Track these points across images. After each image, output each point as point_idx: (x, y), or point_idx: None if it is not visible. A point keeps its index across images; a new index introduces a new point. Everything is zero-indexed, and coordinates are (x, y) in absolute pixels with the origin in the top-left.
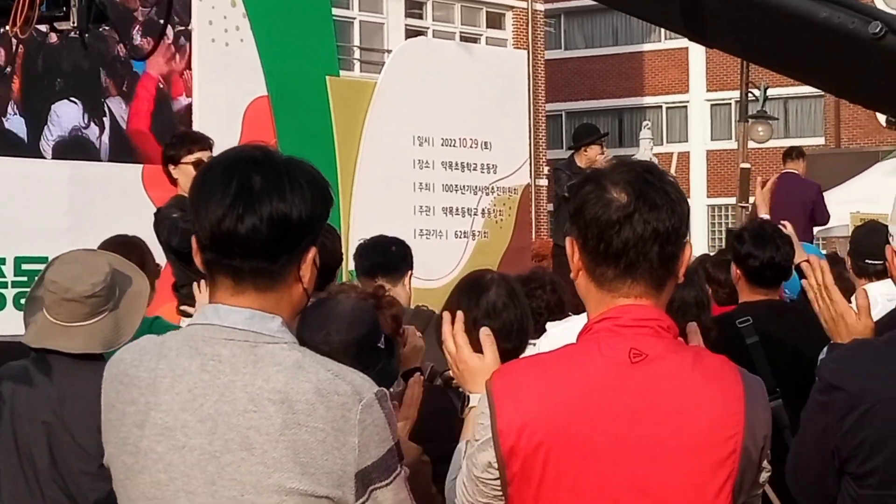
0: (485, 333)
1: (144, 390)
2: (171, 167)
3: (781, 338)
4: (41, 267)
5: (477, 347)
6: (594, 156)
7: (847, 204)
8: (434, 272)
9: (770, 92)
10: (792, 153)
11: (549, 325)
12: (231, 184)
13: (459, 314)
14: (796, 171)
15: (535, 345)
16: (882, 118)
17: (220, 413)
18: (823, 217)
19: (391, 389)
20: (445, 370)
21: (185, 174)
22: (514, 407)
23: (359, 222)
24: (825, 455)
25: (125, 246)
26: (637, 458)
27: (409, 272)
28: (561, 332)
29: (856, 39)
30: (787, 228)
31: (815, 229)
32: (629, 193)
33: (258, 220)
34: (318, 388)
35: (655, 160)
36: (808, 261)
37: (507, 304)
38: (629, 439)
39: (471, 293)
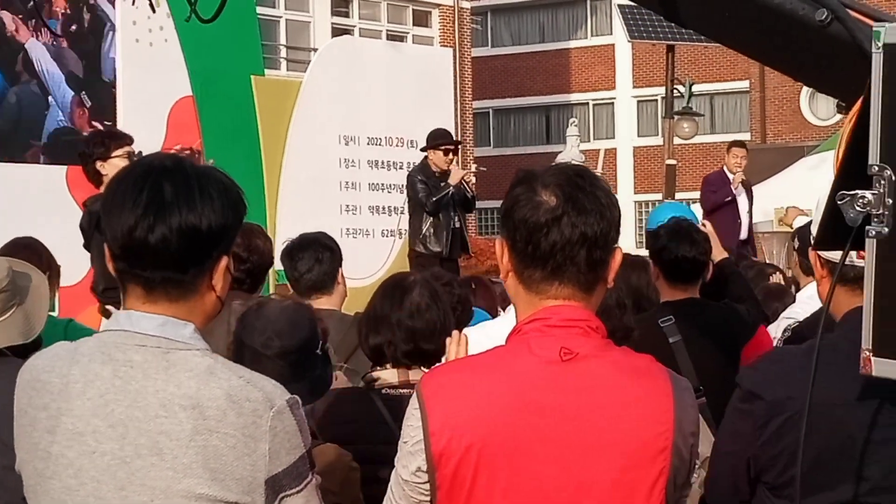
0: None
1: (56, 396)
2: (99, 163)
3: (703, 336)
4: None
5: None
6: (440, 161)
7: (772, 199)
8: (361, 271)
9: (696, 88)
10: (728, 146)
11: (466, 330)
12: (142, 194)
13: (465, 335)
14: (724, 167)
15: None
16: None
17: (130, 418)
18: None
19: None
20: (367, 372)
21: (117, 168)
22: (445, 408)
23: (285, 221)
24: (740, 462)
25: (26, 248)
26: (569, 455)
27: (340, 269)
28: (481, 339)
29: (805, 26)
30: (707, 227)
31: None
32: (559, 196)
33: (168, 231)
34: (229, 394)
35: (582, 157)
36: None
37: (430, 304)
38: (561, 437)
39: (394, 294)
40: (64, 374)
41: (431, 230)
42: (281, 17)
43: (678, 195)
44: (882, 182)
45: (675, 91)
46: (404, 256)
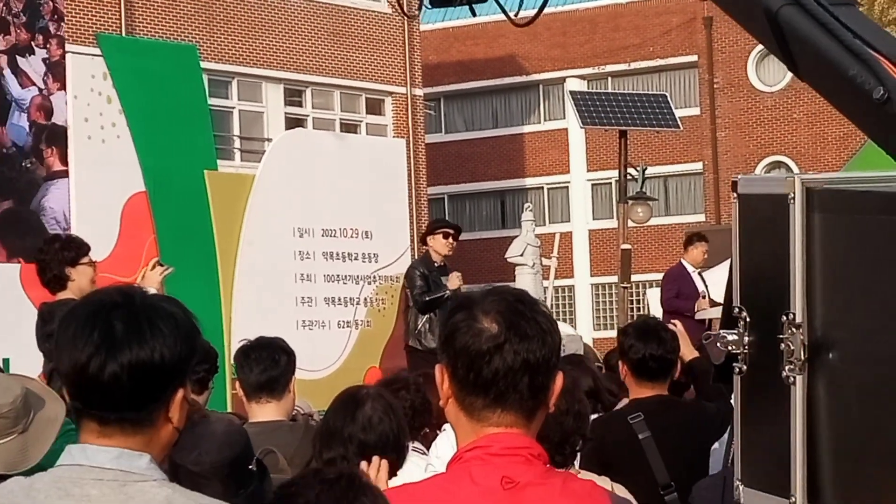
0: None
1: None
2: (68, 269)
3: (672, 431)
4: None
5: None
6: (440, 247)
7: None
8: (317, 363)
9: (651, 170)
10: (690, 239)
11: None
12: (93, 333)
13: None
14: (683, 260)
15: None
16: None
17: None
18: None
19: None
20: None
21: (83, 275)
22: None
23: (241, 315)
24: None
25: None
26: None
27: (293, 377)
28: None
29: (868, 100)
30: (677, 327)
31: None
32: (500, 323)
33: (118, 368)
34: None
35: (538, 242)
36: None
37: (382, 418)
38: None
39: (347, 408)
40: None
41: (427, 325)
42: (234, 107)
43: (634, 278)
44: (741, 323)
45: (628, 175)
46: (361, 347)
